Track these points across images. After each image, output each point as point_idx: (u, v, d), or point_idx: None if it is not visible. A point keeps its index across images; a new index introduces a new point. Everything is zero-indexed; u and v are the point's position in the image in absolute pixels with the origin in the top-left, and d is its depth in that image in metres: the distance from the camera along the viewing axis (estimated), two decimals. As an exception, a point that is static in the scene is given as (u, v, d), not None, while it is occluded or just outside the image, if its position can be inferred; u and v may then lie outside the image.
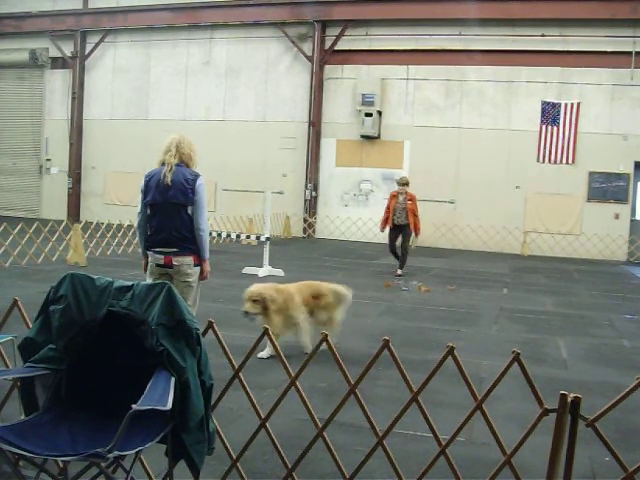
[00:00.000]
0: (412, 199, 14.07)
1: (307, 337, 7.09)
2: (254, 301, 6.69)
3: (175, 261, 5.87)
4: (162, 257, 5.89)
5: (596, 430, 3.06)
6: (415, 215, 14.04)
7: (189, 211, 5.88)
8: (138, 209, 6.04)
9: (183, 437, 3.12)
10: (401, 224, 14.00)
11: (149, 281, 5.59)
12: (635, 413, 5.39)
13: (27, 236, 13.49)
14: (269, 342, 6.45)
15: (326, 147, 22.52)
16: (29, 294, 8.12)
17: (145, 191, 5.96)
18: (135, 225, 6.27)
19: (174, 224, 5.85)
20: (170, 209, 5.85)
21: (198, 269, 6.03)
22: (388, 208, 14.18)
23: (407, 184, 14.25)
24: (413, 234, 14.24)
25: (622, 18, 19.24)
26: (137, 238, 6.44)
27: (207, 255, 6.07)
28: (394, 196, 14.20)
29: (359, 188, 22.25)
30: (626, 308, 11.29)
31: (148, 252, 6.00)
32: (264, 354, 6.79)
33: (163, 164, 5.93)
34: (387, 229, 14.28)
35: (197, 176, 5.94)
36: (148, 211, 5.95)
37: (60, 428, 3.10)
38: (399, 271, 14.01)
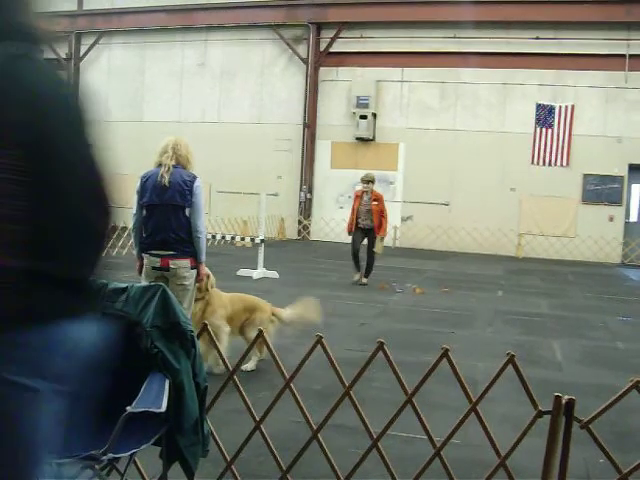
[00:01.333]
0: (378, 199, 12.64)
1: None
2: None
3: (172, 264, 5.81)
4: (158, 260, 5.83)
5: (590, 432, 3.07)
6: (383, 216, 12.58)
7: (187, 213, 5.83)
8: (133, 210, 5.97)
9: (177, 439, 3.11)
10: (366, 227, 12.60)
11: (144, 284, 5.56)
12: (629, 415, 5.40)
13: (21, 238, 13.45)
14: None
15: (321, 149, 22.55)
16: (23, 296, 8.08)
17: (141, 192, 5.89)
18: (130, 227, 6.21)
19: (171, 226, 5.79)
20: (167, 211, 5.79)
21: (195, 272, 5.97)
22: (353, 210, 12.80)
23: (372, 181, 12.67)
24: (379, 238, 12.78)
25: (616, 21, 19.32)
26: (132, 240, 6.38)
27: (204, 258, 6.03)
28: (358, 196, 12.76)
29: (354, 190, 22.22)
30: (620, 310, 11.32)
31: (144, 254, 5.93)
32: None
33: (159, 165, 5.89)
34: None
35: (195, 178, 5.90)
36: (144, 212, 5.89)
37: (54, 430, 3.09)
38: (364, 279, 12.77)
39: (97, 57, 25.22)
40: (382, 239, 12.82)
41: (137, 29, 24.21)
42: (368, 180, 12.59)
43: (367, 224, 12.54)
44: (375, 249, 12.66)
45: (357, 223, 12.66)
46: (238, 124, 23.16)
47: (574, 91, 20.21)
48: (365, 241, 12.79)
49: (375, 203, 12.51)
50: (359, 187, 13.12)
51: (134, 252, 6.24)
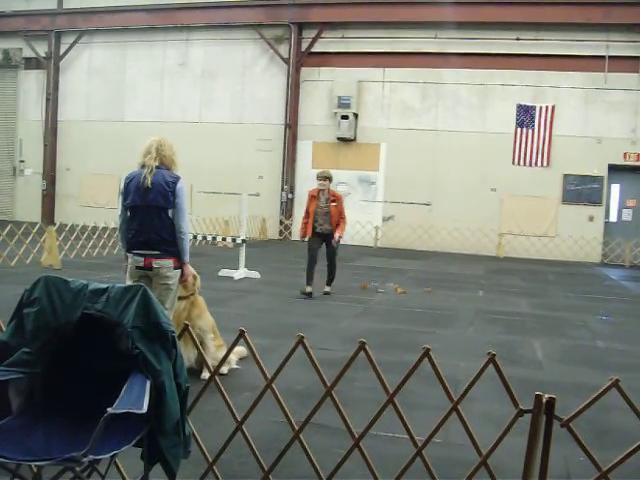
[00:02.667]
0: (337, 199, 11.28)
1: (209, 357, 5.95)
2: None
3: (155, 264, 5.79)
4: (142, 259, 5.81)
5: (570, 430, 3.09)
6: (342, 218, 11.23)
7: (169, 214, 5.81)
8: (118, 212, 5.99)
9: (159, 440, 3.10)
10: (325, 232, 11.20)
11: (129, 283, 5.52)
12: (609, 413, 5.43)
13: (0, 238, 13.34)
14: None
15: (302, 149, 22.54)
16: (2, 297, 8.03)
17: (125, 193, 5.87)
18: (110, 227, 6.18)
19: (154, 227, 5.77)
20: (150, 212, 5.77)
21: (178, 272, 5.94)
22: (307, 212, 11.31)
23: (330, 179, 11.31)
24: (338, 238, 11.29)
25: (595, 23, 19.48)
26: (112, 240, 6.35)
27: (187, 258, 6.00)
28: (313, 197, 11.24)
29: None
30: (600, 309, 11.39)
31: (128, 254, 5.94)
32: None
33: (143, 166, 5.86)
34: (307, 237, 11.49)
35: (177, 179, 5.88)
36: (128, 214, 5.89)
37: (34, 432, 3.07)
38: (327, 288, 11.57)
39: (77, 56, 25.05)
40: (340, 238, 11.36)
41: (118, 28, 24.08)
42: (325, 176, 11.24)
43: (326, 228, 11.19)
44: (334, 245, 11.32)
45: (314, 227, 11.26)
46: (219, 124, 23.11)
47: (554, 92, 20.34)
48: (323, 247, 11.46)
49: (334, 204, 11.19)
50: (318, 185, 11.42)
51: (116, 252, 6.21)
